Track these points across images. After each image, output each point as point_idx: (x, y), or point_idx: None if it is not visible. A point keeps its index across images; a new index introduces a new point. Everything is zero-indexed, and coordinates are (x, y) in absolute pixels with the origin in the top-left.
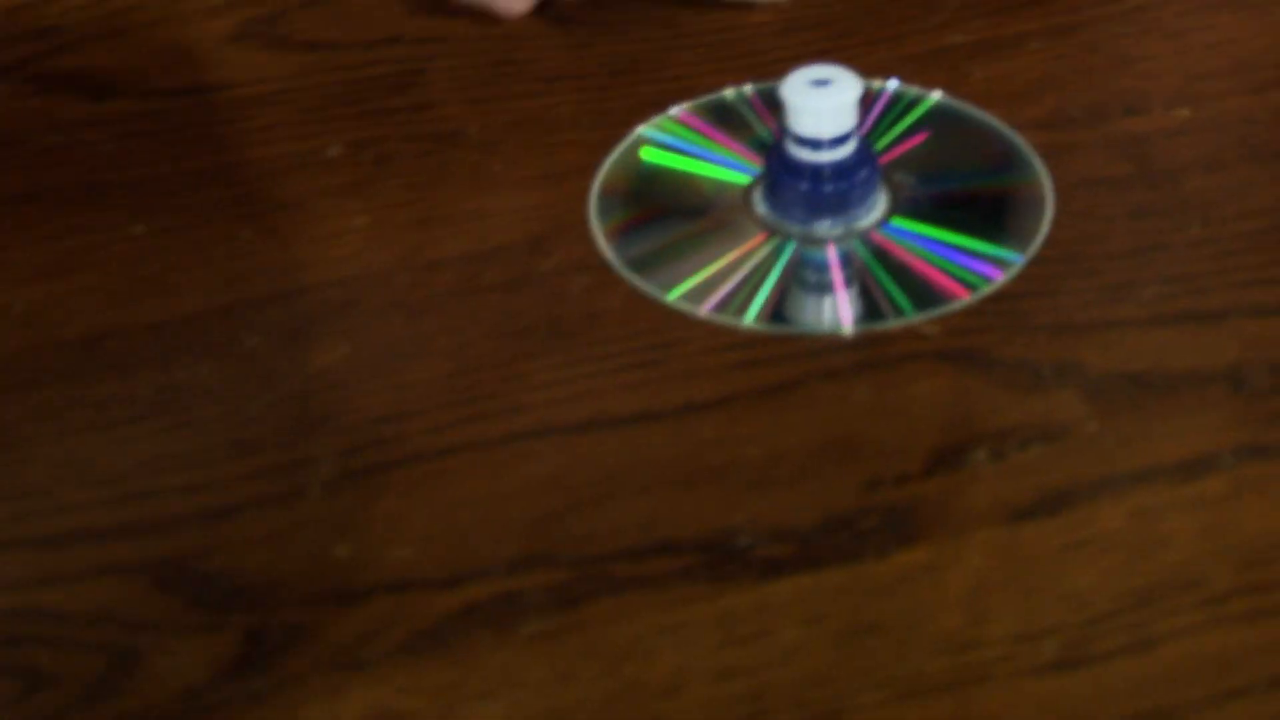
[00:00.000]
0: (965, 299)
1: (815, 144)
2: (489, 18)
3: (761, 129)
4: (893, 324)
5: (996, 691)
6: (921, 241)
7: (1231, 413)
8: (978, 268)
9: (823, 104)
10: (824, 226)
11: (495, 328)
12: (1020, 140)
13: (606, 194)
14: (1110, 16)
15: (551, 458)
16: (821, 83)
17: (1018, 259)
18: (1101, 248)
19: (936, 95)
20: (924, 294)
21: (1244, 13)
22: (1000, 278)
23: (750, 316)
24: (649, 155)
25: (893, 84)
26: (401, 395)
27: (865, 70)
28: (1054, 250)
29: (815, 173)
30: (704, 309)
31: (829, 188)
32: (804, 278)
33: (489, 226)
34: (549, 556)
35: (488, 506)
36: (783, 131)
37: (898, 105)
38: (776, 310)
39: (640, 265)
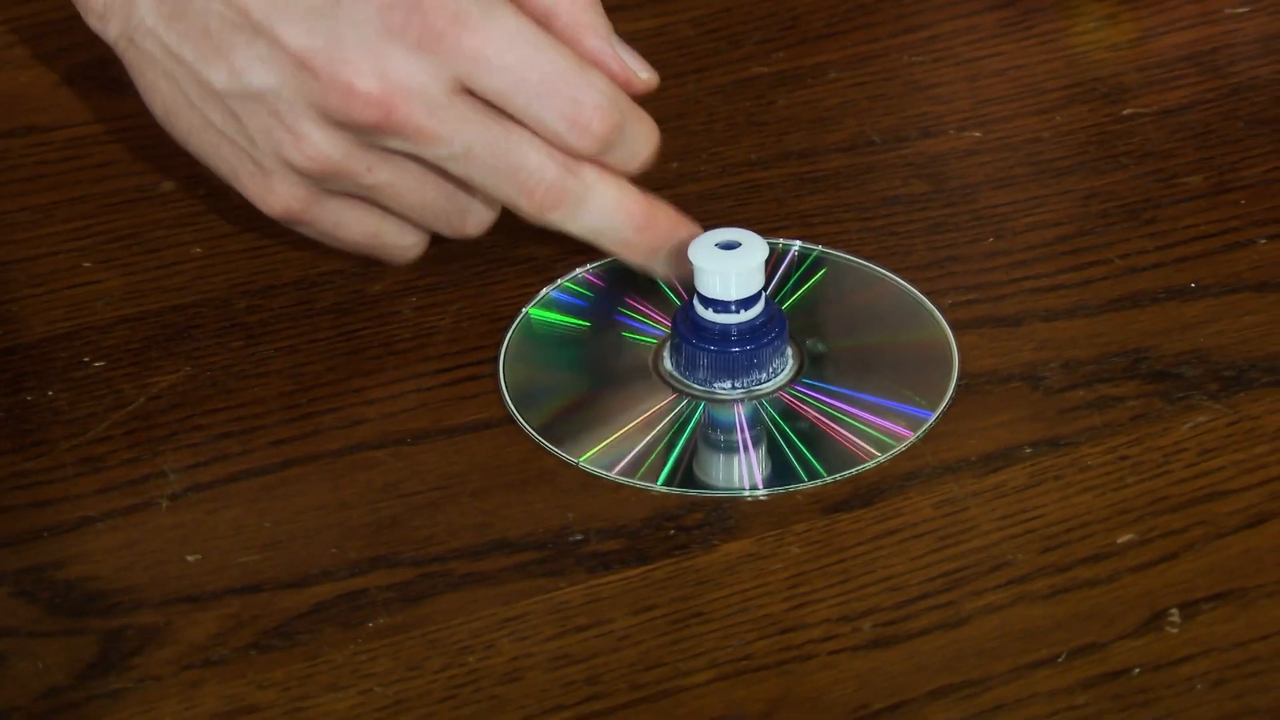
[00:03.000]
0: (878, 458)
1: (722, 306)
2: None
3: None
4: (805, 485)
5: (819, 669)
6: (830, 400)
7: (1028, 409)
8: (887, 426)
9: (730, 266)
10: (727, 387)
11: (331, 347)
12: (917, 292)
13: (512, 361)
14: (904, 46)
15: (389, 466)
16: (729, 245)
17: (928, 415)
18: (903, 260)
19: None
20: (834, 454)
21: (1029, 41)
22: (911, 436)
23: (661, 480)
24: (546, 316)
25: (795, 245)
26: (243, 412)
27: (675, 105)
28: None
29: (723, 334)
30: (614, 471)
31: (735, 349)
32: (712, 440)
33: (320, 253)
34: (391, 558)
35: (330, 513)
36: (690, 293)
37: (802, 265)
38: (688, 472)
39: (548, 427)
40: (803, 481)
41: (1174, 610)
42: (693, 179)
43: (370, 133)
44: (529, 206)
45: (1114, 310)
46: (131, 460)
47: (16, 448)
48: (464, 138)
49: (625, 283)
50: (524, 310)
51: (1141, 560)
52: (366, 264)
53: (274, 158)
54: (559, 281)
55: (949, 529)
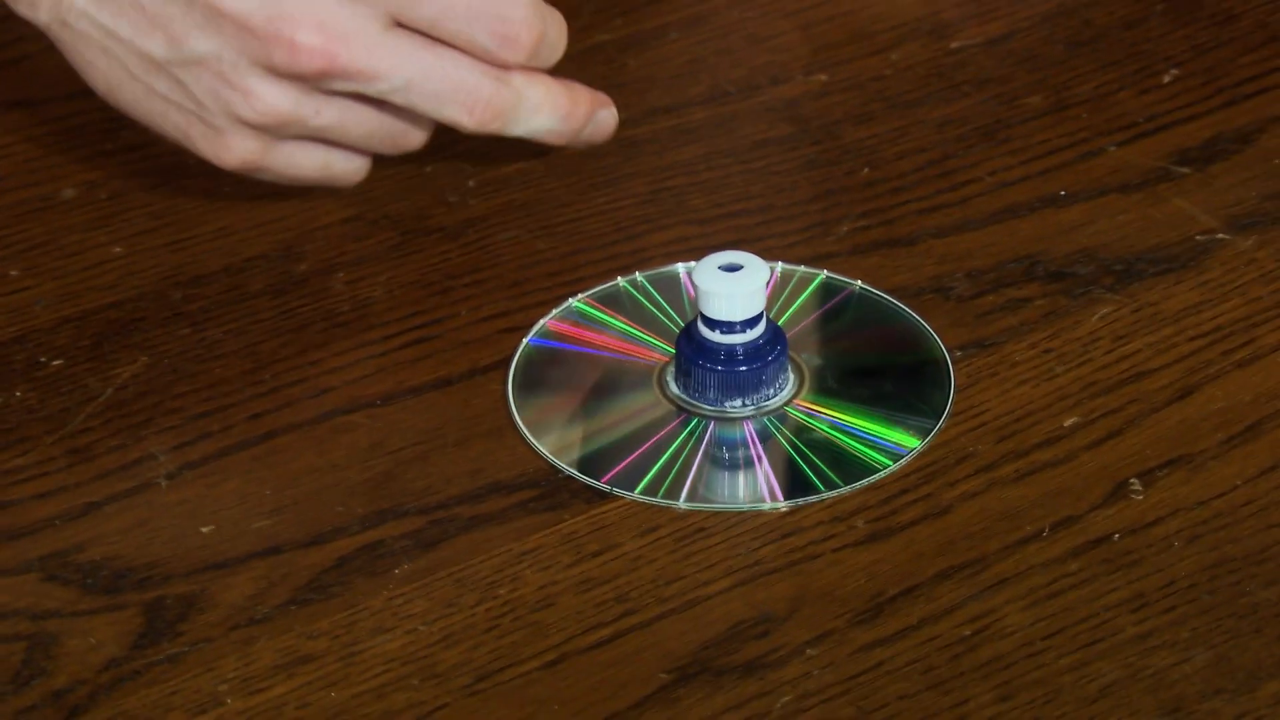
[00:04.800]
0: (890, 467)
1: (728, 326)
2: None
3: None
4: (825, 495)
5: (828, 566)
6: (835, 413)
7: (947, 317)
8: (893, 434)
9: (735, 289)
10: (737, 406)
11: (276, 327)
12: (910, 311)
13: (521, 376)
14: (733, 4)
15: (367, 428)
16: (732, 268)
17: (931, 422)
18: (790, 196)
19: (822, 274)
20: (847, 465)
21: None
22: (920, 444)
23: (684, 497)
24: (543, 343)
25: (779, 266)
26: (212, 392)
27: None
28: (750, 204)
29: (729, 354)
30: (637, 492)
31: (743, 368)
32: (730, 458)
33: (238, 241)
34: (397, 509)
35: (325, 476)
36: (695, 315)
37: (788, 285)
38: (708, 489)
39: (565, 453)
40: (821, 492)
41: (1134, 480)
42: None
43: (316, 80)
44: (470, 122)
45: (997, 222)
46: (119, 447)
47: (1, 447)
48: (404, 70)
49: (617, 308)
50: (524, 340)
51: (1091, 439)
52: (288, 246)
53: (225, 116)
54: (552, 312)
55: None
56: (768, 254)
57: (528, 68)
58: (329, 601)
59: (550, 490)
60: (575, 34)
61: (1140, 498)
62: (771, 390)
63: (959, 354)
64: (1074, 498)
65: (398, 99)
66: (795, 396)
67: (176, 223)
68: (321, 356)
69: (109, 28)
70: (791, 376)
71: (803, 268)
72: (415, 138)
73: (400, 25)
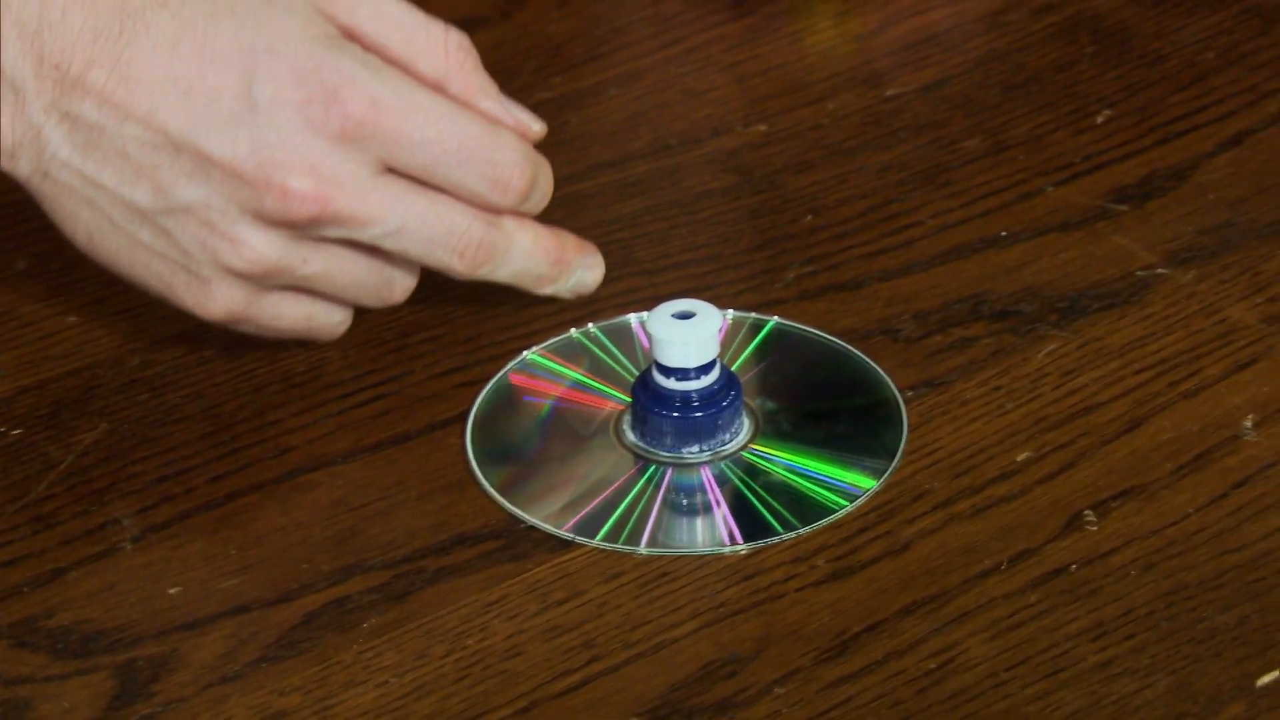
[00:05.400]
0: (846, 507)
1: (683, 373)
2: None
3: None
4: (784, 537)
5: (792, 605)
6: (790, 456)
7: (896, 358)
8: (849, 475)
9: (688, 335)
10: (694, 451)
11: (233, 389)
12: (860, 354)
13: (479, 430)
14: (669, 59)
15: (329, 485)
16: (685, 315)
17: (886, 463)
18: (735, 245)
19: (773, 320)
20: (805, 506)
21: (778, 42)
22: (876, 483)
23: (644, 543)
24: (512, 391)
25: (730, 314)
26: (173, 455)
27: None
28: (697, 254)
29: (684, 400)
30: (597, 539)
31: (699, 414)
32: (689, 503)
33: None
34: (362, 564)
35: (289, 534)
36: (649, 363)
37: (739, 332)
38: (668, 534)
39: (525, 502)
40: (780, 534)
41: (1088, 511)
42: None
43: (308, 226)
44: (461, 266)
45: (941, 264)
46: (82, 513)
47: None
48: (396, 215)
49: (571, 359)
50: (481, 394)
51: (1044, 473)
52: None
53: (211, 265)
54: (508, 365)
55: None
56: (717, 302)
57: (517, 213)
58: (300, 658)
59: (513, 540)
60: (516, 94)
61: (1095, 528)
62: (727, 435)
63: (910, 394)
64: (1030, 530)
65: (389, 244)
66: (750, 441)
67: (130, 290)
68: (280, 417)
69: (92, 178)
70: (746, 421)
71: (753, 314)
72: (401, 287)
73: (391, 170)
